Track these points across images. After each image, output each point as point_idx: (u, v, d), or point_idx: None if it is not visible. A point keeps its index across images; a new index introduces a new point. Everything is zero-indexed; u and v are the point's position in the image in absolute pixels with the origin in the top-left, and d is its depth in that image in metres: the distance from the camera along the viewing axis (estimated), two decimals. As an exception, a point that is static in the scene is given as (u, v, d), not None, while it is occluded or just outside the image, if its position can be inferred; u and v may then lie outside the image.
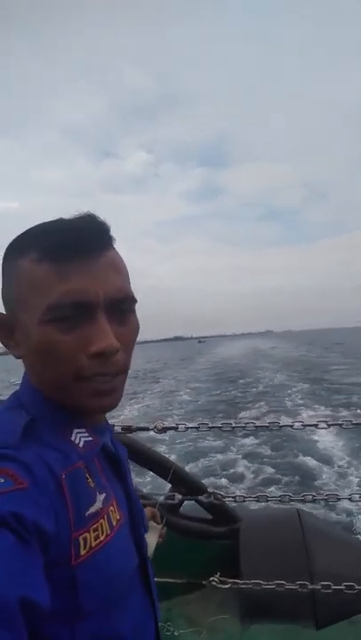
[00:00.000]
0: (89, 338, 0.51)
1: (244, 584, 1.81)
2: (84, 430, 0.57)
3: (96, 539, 0.51)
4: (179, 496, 1.93)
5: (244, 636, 1.76)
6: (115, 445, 0.65)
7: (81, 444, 0.56)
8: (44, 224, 0.54)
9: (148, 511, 1.01)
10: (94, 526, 0.52)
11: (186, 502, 2.02)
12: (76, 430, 0.56)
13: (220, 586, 1.84)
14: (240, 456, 8.20)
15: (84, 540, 0.50)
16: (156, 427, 1.82)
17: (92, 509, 0.52)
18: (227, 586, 1.84)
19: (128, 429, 1.82)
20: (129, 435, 1.85)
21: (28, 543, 0.42)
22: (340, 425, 1.70)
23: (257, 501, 1.87)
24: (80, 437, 0.56)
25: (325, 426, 1.70)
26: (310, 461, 7.55)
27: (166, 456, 2.25)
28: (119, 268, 0.55)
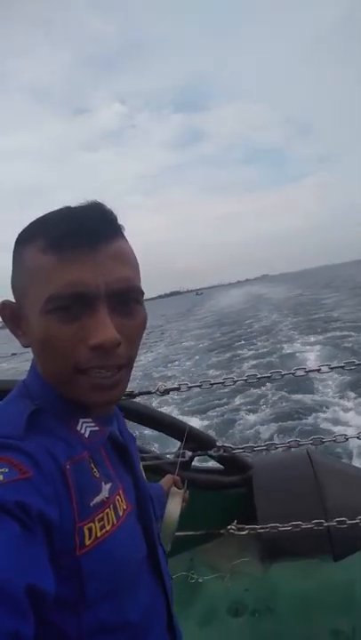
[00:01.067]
0: (89, 330, 0.50)
1: (261, 529, 1.86)
2: (90, 420, 0.57)
3: (102, 529, 0.51)
4: (189, 453, 1.95)
5: (266, 576, 1.83)
6: (122, 433, 0.65)
7: (87, 434, 0.56)
8: (51, 213, 0.54)
9: (168, 479, 1.02)
10: (100, 516, 0.51)
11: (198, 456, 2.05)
12: (82, 420, 0.56)
13: (237, 533, 1.90)
14: (246, 406, 8.36)
15: (89, 529, 0.50)
16: (158, 389, 1.82)
17: (98, 499, 0.52)
18: (244, 532, 1.89)
19: (130, 395, 1.82)
20: (133, 400, 1.85)
21: (32, 532, 0.42)
22: (343, 367, 1.68)
23: (266, 449, 1.89)
24: (86, 427, 0.56)
25: (328, 369, 1.69)
26: (315, 404, 7.70)
27: (173, 414, 2.27)
28: (125, 258, 0.54)
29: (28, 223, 0.55)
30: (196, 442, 2.01)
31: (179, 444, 2.04)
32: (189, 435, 1.99)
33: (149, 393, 1.84)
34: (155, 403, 8.24)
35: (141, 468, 0.68)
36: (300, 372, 1.71)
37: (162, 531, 0.91)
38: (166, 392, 1.83)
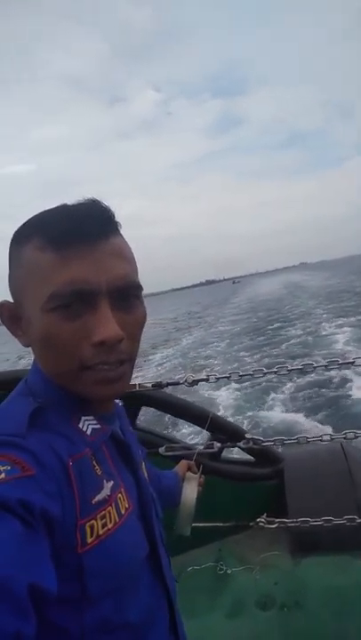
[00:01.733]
0: (91, 327, 0.51)
1: (291, 522, 1.83)
2: (92, 418, 0.58)
3: (103, 526, 0.51)
4: (218, 444, 1.93)
5: (296, 570, 1.80)
6: (125, 433, 0.65)
7: (88, 432, 0.56)
8: (47, 211, 0.54)
9: (182, 464, 1.03)
10: (101, 514, 0.51)
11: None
12: (84, 418, 0.57)
13: (267, 526, 1.88)
14: (276, 397, 8.23)
15: (91, 527, 0.50)
16: (186, 380, 1.80)
17: (99, 497, 0.52)
18: (274, 526, 1.87)
19: (159, 385, 1.82)
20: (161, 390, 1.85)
21: (35, 530, 0.42)
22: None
23: (297, 443, 1.85)
24: (88, 425, 0.57)
25: (362, 362, 1.62)
26: (351, 396, 7.47)
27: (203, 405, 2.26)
28: (124, 255, 0.54)
29: (22, 223, 0.55)
30: (226, 433, 1.99)
31: (208, 434, 2.03)
32: (218, 425, 1.98)
33: (178, 384, 1.83)
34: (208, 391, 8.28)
35: (144, 468, 0.67)
36: (334, 366, 1.65)
37: (179, 516, 0.92)
38: (195, 383, 1.81)
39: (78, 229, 0.50)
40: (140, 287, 0.56)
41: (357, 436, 1.79)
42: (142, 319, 0.57)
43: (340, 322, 15.15)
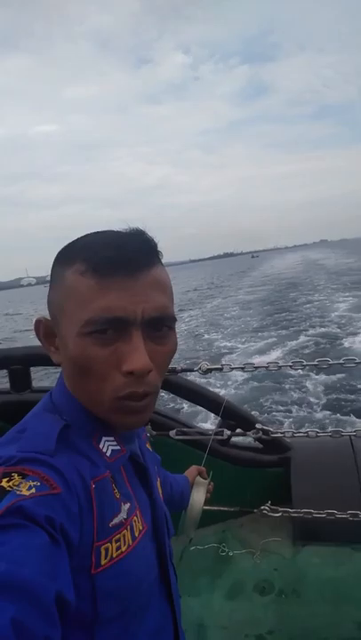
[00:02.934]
0: (123, 355, 0.51)
1: (295, 512, 1.86)
2: (112, 439, 0.59)
3: (118, 549, 0.52)
4: (228, 432, 1.96)
5: (297, 558, 1.85)
6: (143, 453, 0.66)
7: (108, 453, 0.57)
8: (93, 235, 0.55)
9: (193, 469, 1.04)
10: (117, 537, 0.53)
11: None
12: (104, 438, 0.58)
13: (271, 514, 1.91)
14: (288, 388, 8.22)
15: (106, 549, 0.51)
16: (200, 368, 1.82)
17: (116, 520, 0.53)
18: (278, 514, 1.91)
19: (173, 371, 1.83)
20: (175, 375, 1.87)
21: (59, 545, 0.43)
22: None
23: (307, 436, 1.86)
24: (108, 446, 0.58)
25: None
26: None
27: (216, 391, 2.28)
28: (162, 286, 0.55)
29: (67, 243, 0.56)
30: (236, 420, 2.02)
31: (219, 420, 2.06)
32: (230, 412, 2.00)
33: (192, 370, 1.84)
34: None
35: (159, 486, 0.68)
36: (350, 364, 1.64)
37: (186, 519, 0.94)
38: (209, 371, 1.82)
39: (121, 259, 0.51)
40: (174, 319, 0.56)
41: (368, 434, 1.80)
42: (173, 350, 0.57)
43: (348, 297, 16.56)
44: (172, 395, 2.11)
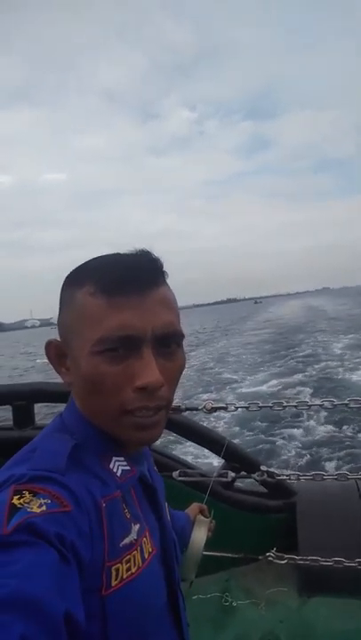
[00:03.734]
0: (135, 372, 0.53)
1: (301, 560, 1.80)
2: (122, 459, 0.59)
3: (128, 570, 0.52)
4: (232, 474, 1.93)
5: (303, 609, 1.77)
6: (152, 475, 0.66)
7: (119, 473, 0.58)
8: (102, 258, 0.57)
9: (195, 507, 1.02)
10: (127, 557, 0.52)
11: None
12: (115, 458, 0.58)
13: (276, 561, 1.85)
14: (293, 430, 8.08)
15: (117, 570, 0.51)
16: (205, 407, 1.81)
17: (127, 540, 0.53)
18: (283, 561, 1.84)
19: (177, 409, 1.83)
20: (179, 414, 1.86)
21: (69, 563, 0.43)
22: None
23: (313, 479, 1.83)
24: (118, 466, 0.58)
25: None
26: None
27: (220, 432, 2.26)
28: (169, 304, 0.57)
29: (75, 267, 0.58)
30: (240, 462, 1.98)
31: (222, 462, 2.03)
32: (233, 453, 1.97)
33: (196, 410, 1.84)
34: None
35: (167, 511, 0.68)
36: (355, 405, 1.64)
37: (186, 559, 0.91)
38: (213, 410, 1.82)
39: (130, 279, 0.53)
40: (182, 335, 0.58)
41: (374, 477, 1.76)
42: (182, 366, 0.59)
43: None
44: (174, 435, 2.10)
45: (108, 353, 0.52)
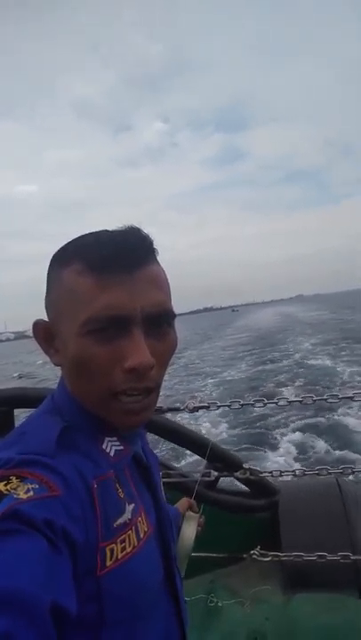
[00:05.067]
0: (124, 353, 0.51)
1: (285, 556, 1.81)
2: (115, 439, 0.58)
3: (123, 550, 0.51)
4: (215, 473, 1.93)
5: (288, 606, 1.78)
6: (146, 453, 0.65)
7: (112, 453, 0.57)
8: (89, 235, 0.55)
9: (184, 502, 1.01)
10: (122, 537, 0.52)
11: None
12: (107, 439, 0.57)
13: (260, 559, 1.86)
14: (274, 428, 8.17)
15: (111, 550, 0.50)
16: (187, 406, 1.82)
17: (121, 520, 0.52)
18: (267, 559, 1.85)
19: (159, 410, 1.82)
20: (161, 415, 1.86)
21: (59, 550, 0.42)
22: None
23: (294, 475, 1.85)
24: (111, 446, 0.57)
25: (362, 398, 1.65)
26: (347, 430, 7.44)
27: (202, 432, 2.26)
28: (160, 283, 0.55)
29: (63, 244, 0.56)
30: (223, 461, 1.99)
31: (205, 462, 2.03)
32: (215, 454, 1.97)
33: (178, 410, 1.84)
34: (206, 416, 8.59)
35: (162, 490, 0.67)
36: (333, 400, 1.68)
37: (176, 555, 0.90)
38: (195, 410, 1.82)
39: (118, 256, 0.51)
40: (173, 315, 0.56)
41: (354, 472, 1.80)
42: (173, 347, 0.57)
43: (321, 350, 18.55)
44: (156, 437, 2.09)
45: (97, 333, 0.51)
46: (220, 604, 1.83)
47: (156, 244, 0.56)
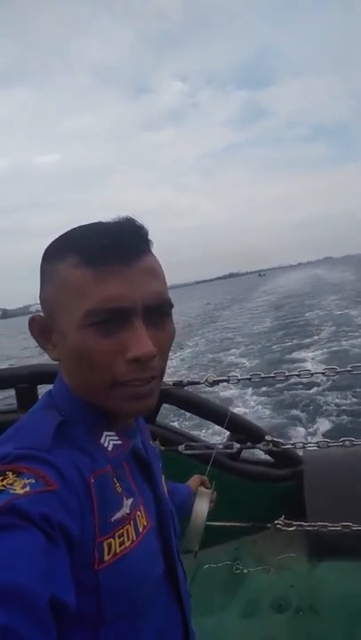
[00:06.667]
0: (126, 343, 0.51)
1: (309, 526, 1.82)
2: (113, 433, 0.58)
3: (121, 544, 0.51)
4: (237, 445, 1.94)
5: (312, 574, 1.80)
6: (146, 448, 0.65)
7: (110, 448, 0.56)
8: (83, 227, 0.54)
9: (196, 478, 1.02)
10: (120, 532, 0.51)
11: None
12: (105, 433, 0.57)
13: (285, 528, 1.87)
14: (296, 399, 8.11)
15: (109, 545, 0.50)
16: (207, 380, 1.81)
17: (119, 515, 0.52)
18: (292, 528, 1.86)
19: (179, 384, 1.82)
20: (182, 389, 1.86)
21: (56, 544, 0.42)
22: None
23: (318, 447, 1.84)
24: (109, 440, 0.57)
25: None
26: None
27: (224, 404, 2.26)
28: (157, 273, 0.55)
29: (53, 240, 0.56)
30: (246, 433, 1.99)
31: (228, 434, 2.03)
32: (239, 425, 1.98)
33: (198, 383, 1.84)
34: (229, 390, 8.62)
35: (163, 484, 0.67)
36: (357, 371, 1.62)
37: (189, 531, 0.91)
38: (215, 383, 1.82)
39: (115, 247, 0.51)
40: (171, 304, 0.56)
41: (379, 443, 1.76)
42: (172, 335, 0.58)
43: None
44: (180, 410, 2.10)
45: (98, 326, 0.50)
46: (245, 571, 1.87)
47: (150, 236, 0.55)
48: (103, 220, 0.54)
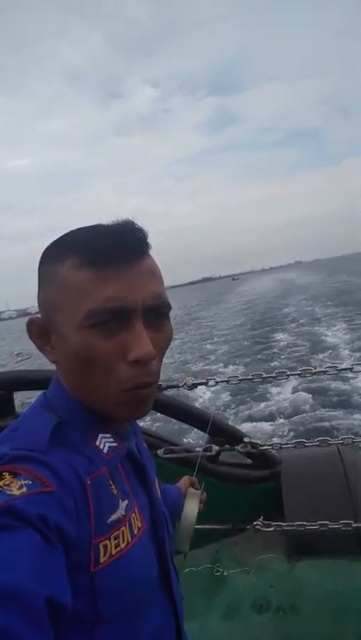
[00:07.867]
0: (127, 345, 0.52)
1: (287, 526, 1.84)
2: (109, 435, 0.58)
3: (116, 546, 0.51)
4: (216, 447, 1.95)
5: (292, 573, 1.82)
6: (140, 450, 0.65)
7: (105, 450, 0.57)
8: (83, 229, 0.55)
9: (185, 479, 1.03)
10: (115, 534, 0.52)
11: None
12: (101, 435, 0.57)
13: (263, 529, 1.89)
14: (273, 400, 8.21)
15: (105, 547, 0.50)
16: (185, 383, 1.81)
17: (114, 517, 0.52)
18: (271, 529, 1.88)
19: (159, 388, 1.82)
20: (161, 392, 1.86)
21: (53, 545, 0.42)
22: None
23: (295, 447, 1.86)
24: (105, 442, 0.57)
25: (361, 369, 1.63)
26: (347, 401, 7.47)
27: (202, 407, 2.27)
28: (156, 274, 0.56)
29: (53, 241, 0.56)
30: (224, 435, 2.00)
31: (207, 437, 2.04)
32: (217, 428, 1.99)
33: (177, 387, 1.84)
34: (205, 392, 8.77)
35: (157, 486, 0.67)
36: (332, 372, 1.66)
37: (179, 532, 0.92)
38: (194, 386, 1.82)
39: (115, 249, 0.51)
40: (170, 306, 0.57)
41: (354, 442, 1.81)
42: (170, 337, 0.58)
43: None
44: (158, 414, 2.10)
45: (99, 327, 0.51)
46: (225, 573, 1.87)
47: (149, 238, 0.55)
48: (103, 223, 0.54)
